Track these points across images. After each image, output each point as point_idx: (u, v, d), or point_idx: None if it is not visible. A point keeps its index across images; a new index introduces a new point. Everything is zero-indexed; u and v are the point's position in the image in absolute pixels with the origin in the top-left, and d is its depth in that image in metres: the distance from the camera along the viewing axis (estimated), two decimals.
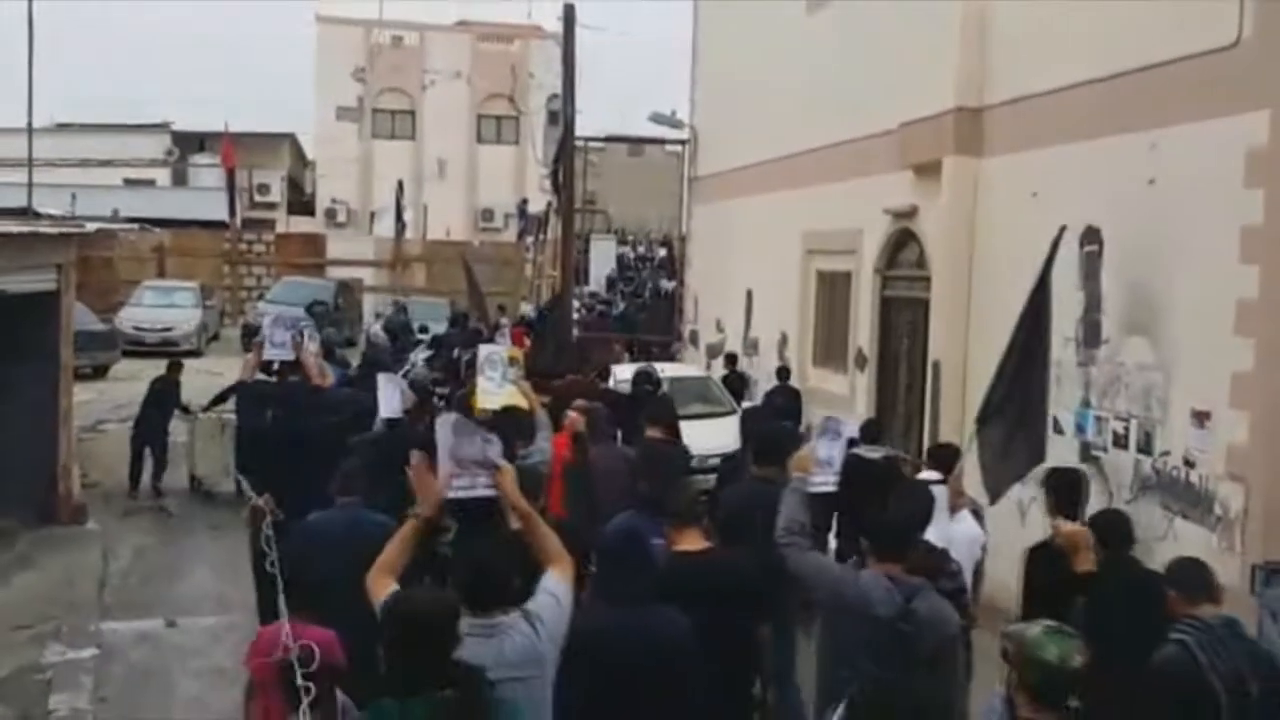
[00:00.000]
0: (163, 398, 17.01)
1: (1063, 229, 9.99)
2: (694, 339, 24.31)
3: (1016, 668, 4.38)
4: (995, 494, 9.08)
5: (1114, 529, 6.69)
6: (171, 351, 28.15)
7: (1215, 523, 9.23)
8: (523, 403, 9.61)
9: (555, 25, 25.14)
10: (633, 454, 9.25)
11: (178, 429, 17.30)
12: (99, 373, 26.48)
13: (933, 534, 6.71)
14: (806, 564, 5.80)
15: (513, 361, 10.64)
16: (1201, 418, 9.50)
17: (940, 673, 5.43)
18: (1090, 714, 4.39)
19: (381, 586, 4.84)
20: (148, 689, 10.04)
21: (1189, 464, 9.62)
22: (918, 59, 13.97)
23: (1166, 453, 9.89)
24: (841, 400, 16.21)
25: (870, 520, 5.86)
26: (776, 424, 12.15)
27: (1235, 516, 9.05)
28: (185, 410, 16.99)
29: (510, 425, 8.50)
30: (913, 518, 6.17)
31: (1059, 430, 11.30)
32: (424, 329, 25.78)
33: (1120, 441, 10.49)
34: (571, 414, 9.62)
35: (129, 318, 31.86)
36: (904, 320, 15.14)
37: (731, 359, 20.26)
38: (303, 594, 5.70)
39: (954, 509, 7.79)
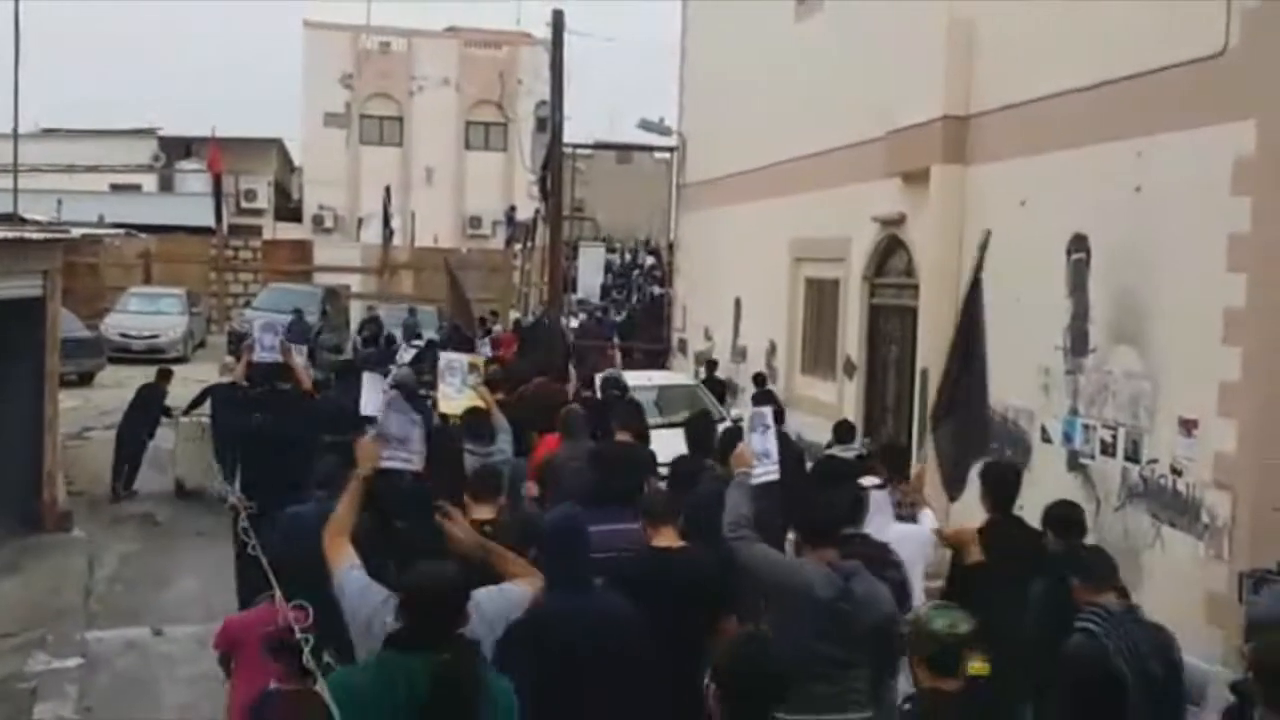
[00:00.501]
0: (148, 403, 17.07)
1: (988, 233, 10.42)
2: (683, 347, 24.31)
3: (913, 645, 4.80)
4: (954, 492, 9.22)
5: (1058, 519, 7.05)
6: (158, 358, 28.07)
7: (1203, 531, 9.25)
8: (482, 406, 10.12)
9: (544, 31, 25.22)
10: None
11: (164, 435, 17.26)
12: (85, 380, 26.38)
13: (873, 533, 7.09)
14: (754, 555, 6.07)
15: (472, 368, 11.31)
16: (1189, 426, 9.51)
17: (877, 650, 5.73)
18: (991, 684, 4.91)
19: (337, 547, 5.42)
20: (134, 698, 9.98)
21: (1176, 472, 9.63)
22: (906, 67, 14.00)
23: (1154, 461, 9.90)
24: (830, 408, 16.22)
25: (798, 513, 6.28)
26: (736, 425, 12.21)
27: (1223, 524, 9.06)
28: (168, 414, 17.02)
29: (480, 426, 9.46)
30: (834, 509, 6.43)
31: (1047, 439, 11.32)
32: (418, 335, 25.53)
33: (1108, 450, 10.50)
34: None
35: (115, 324, 31.75)
36: (892, 328, 15.15)
37: (711, 365, 20.28)
38: (280, 580, 5.92)
39: (913, 508, 8.05)
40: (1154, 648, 5.70)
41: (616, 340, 26.94)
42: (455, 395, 11.02)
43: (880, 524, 7.23)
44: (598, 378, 16.95)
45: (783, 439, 7.72)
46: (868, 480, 8.28)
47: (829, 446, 10.87)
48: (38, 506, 14.74)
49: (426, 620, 4.52)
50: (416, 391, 11.98)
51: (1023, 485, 11.33)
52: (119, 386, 26.78)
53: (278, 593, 5.74)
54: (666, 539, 6.53)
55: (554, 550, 5.93)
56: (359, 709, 4.37)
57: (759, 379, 17.73)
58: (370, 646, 5.03)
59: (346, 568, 5.38)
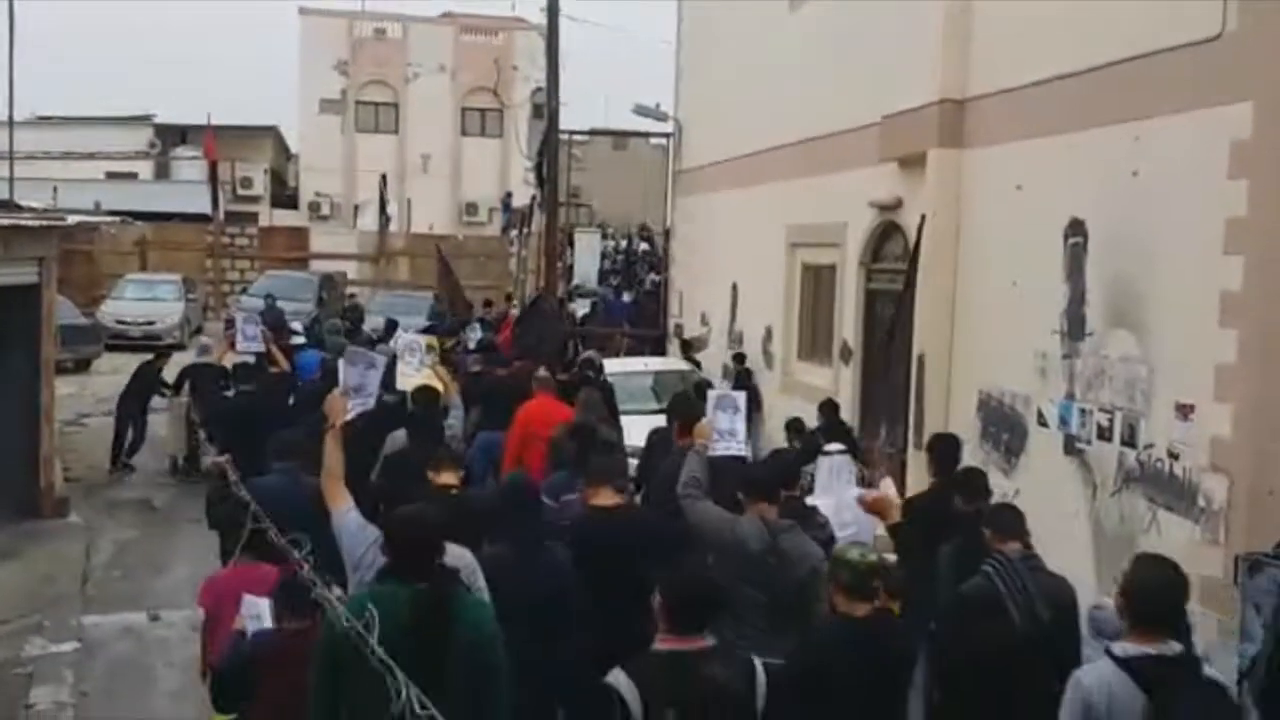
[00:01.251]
0: (146, 379, 17.47)
1: (924, 217, 11.44)
2: (679, 332, 24.29)
3: (831, 574, 5.69)
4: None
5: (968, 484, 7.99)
6: (155, 345, 28.06)
7: (1199, 515, 9.24)
8: (438, 385, 11.00)
9: (539, 17, 25.16)
10: None
11: (156, 421, 17.36)
12: (81, 366, 26.39)
13: (825, 498, 8.44)
14: (698, 511, 6.98)
15: (429, 349, 12.12)
16: (1185, 410, 9.50)
17: (801, 597, 6.43)
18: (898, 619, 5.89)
19: (334, 491, 6.24)
20: (130, 682, 10.02)
21: (1173, 456, 9.62)
22: (901, 51, 13.96)
23: (1150, 445, 9.89)
24: (826, 394, 16.21)
25: (741, 473, 7.29)
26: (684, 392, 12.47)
27: (1219, 508, 9.05)
28: (165, 386, 17.69)
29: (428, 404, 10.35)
30: (774, 469, 7.43)
31: (1043, 423, 11.32)
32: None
33: (1104, 434, 10.49)
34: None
35: (111, 311, 31.72)
36: (889, 313, 15.14)
37: (740, 358, 19.66)
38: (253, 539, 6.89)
39: (876, 475, 9.32)
40: (1046, 592, 6.36)
41: (627, 326, 26.97)
42: (413, 373, 11.70)
43: (842, 486, 8.21)
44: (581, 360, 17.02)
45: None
46: (833, 446, 9.69)
47: (815, 432, 11.15)
48: (35, 492, 14.78)
49: (406, 556, 5.15)
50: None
51: (1018, 469, 11.44)
52: (115, 373, 26.80)
53: (272, 530, 6.35)
54: (603, 499, 7.40)
55: (505, 508, 6.95)
56: (378, 611, 4.81)
57: (738, 358, 17.86)
58: (363, 578, 5.78)
59: (344, 509, 6.16)
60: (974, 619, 6.18)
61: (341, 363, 9.79)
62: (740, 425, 7.62)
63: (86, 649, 10.64)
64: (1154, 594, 4.90)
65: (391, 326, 19.35)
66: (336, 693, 4.88)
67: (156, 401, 17.82)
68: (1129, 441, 10.12)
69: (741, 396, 8.07)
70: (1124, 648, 4.82)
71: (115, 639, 10.95)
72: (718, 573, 6.19)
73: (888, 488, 7.38)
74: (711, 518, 6.88)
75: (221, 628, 6.77)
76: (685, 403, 9.66)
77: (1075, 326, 11.03)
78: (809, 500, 8.36)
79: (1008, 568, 6.34)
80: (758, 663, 5.10)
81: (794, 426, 13.94)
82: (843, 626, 5.51)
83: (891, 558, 6.41)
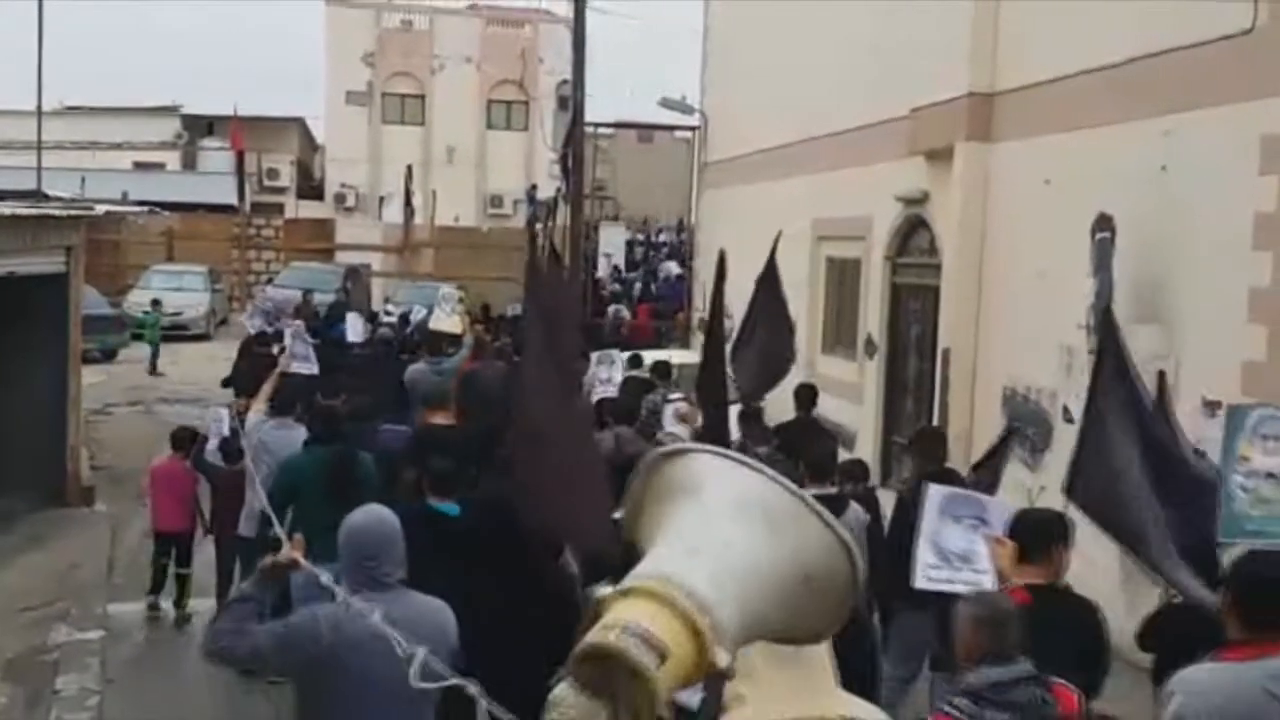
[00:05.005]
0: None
1: (778, 236, 13.10)
2: (701, 326, 24.25)
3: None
4: (748, 398, 11.73)
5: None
6: (181, 335, 28.21)
7: None
8: (461, 327, 15.52)
9: (565, 10, 25.16)
10: None
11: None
12: (108, 356, 26.53)
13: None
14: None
15: (460, 300, 16.32)
16: (1213, 407, 9.43)
17: None
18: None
19: (255, 408, 10.31)
20: (155, 670, 10.05)
21: (1199, 454, 9.55)
22: (929, 44, 13.91)
23: None
24: (851, 387, 16.18)
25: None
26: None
27: None
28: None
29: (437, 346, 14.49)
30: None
31: (1069, 419, 11.25)
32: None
33: None
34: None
35: (138, 302, 31.87)
36: (914, 307, 15.10)
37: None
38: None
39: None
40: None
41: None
42: (445, 317, 15.77)
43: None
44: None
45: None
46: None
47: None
48: (61, 481, 14.85)
49: (326, 428, 9.09)
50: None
51: (1043, 465, 11.37)
52: (141, 363, 26.98)
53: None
54: (440, 418, 9.79)
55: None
56: (298, 474, 8.60)
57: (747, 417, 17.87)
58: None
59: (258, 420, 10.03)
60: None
61: (289, 338, 14.38)
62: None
63: (112, 636, 10.68)
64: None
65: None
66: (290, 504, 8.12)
67: None
68: None
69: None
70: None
71: (140, 626, 11.00)
72: None
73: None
74: None
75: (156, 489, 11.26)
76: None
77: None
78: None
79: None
80: None
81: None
82: None
83: None
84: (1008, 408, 12.36)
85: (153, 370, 26.33)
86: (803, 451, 7.79)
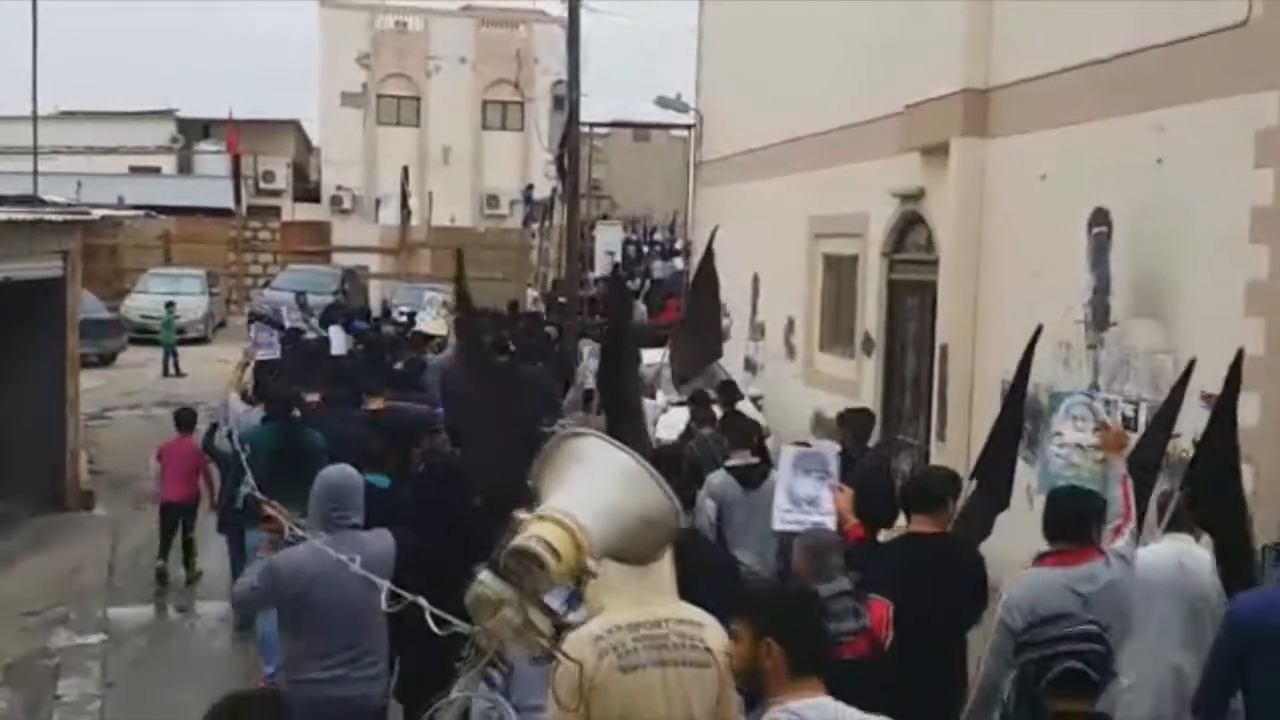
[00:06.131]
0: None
1: (714, 231, 13.10)
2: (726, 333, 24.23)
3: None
4: (679, 380, 12.92)
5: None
6: (180, 339, 28.17)
7: None
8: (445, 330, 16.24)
9: (560, 10, 25.15)
10: None
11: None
12: (106, 360, 26.51)
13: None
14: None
15: (444, 304, 17.02)
16: (1211, 400, 9.43)
17: None
18: None
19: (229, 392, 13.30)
20: (155, 674, 10.05)
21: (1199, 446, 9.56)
22: (924, 40, 13.91)
23: (1176, 435, 9.83)
24: (848, 385, 16.18)
25: None
26: None
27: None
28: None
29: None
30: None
31: None
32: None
33: (1129, 424, 10.41)
34: None
35: (135, 306, 31.86)
36: (911, 304, 15.10)
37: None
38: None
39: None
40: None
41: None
42: (430, 320, 16.99)
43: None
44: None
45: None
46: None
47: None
48: (61, 485, 14.86)
49: (277, 409, 10.24)
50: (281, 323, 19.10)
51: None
52: (139, 367, 26.96)
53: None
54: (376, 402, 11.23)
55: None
56: (253, 445, 9.35)
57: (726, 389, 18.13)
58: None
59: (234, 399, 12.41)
60: None
61: (254, 330, 17.04)
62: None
63: (113, 641, 10.69)
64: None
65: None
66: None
67: None
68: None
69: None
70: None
71: (141, 631, 11.00)
72: None
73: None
74: None
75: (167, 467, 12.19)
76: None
77: (1099, 316, 10.99)
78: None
79: None
80: None
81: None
82: None
83: None
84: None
85: (166, 372, 26.27)
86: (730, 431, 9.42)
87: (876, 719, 3.81)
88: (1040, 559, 6.14)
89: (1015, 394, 8.49)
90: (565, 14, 23.35)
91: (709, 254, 12.56)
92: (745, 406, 16.37)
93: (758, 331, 20.61)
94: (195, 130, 49.71)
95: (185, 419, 12.57)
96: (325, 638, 6.08)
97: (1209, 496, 6.49)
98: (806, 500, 7.17)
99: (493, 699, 4.11)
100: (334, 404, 11.68)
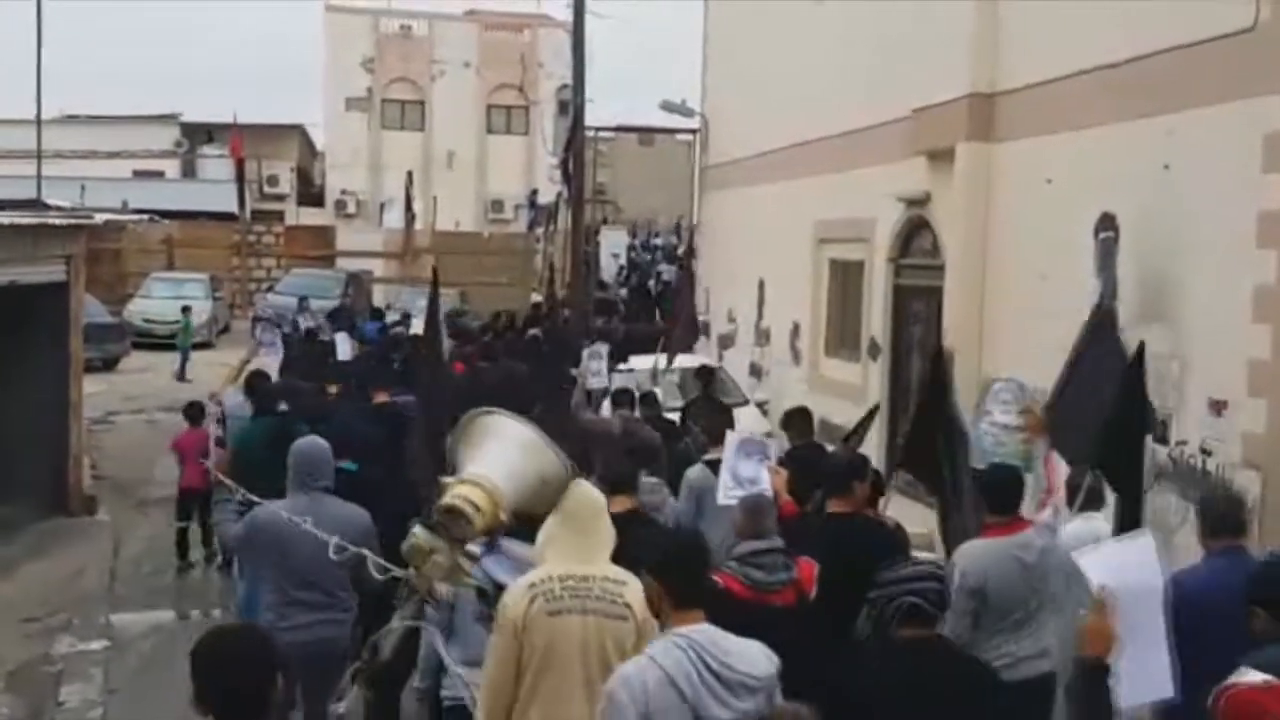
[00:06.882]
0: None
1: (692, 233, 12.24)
2: (705, 329, 24.21)
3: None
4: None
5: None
6: (179, 345, 28.10)
7: None
8: None
9: (564, 14, 25.13)
10: None
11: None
12: (109, 365, 26.48)
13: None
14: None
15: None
16: (1218, 406, 9.40)
17: None
18: None
19: (223, 389, 13.24)
20: (158, 681, 10.00)
21: (1205, 453, 9.53)
22: (931, 44, 13.87)
23: (1183, 442, 9.79)
24: (854, 389, 16.13)
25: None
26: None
27: (1252, 505, 8.92)
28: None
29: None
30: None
31: None
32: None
33: None
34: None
35: (139, 310, 31.84)
36: (917, 309, 15.06)
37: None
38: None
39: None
40: None
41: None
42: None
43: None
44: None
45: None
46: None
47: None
48: (63, 490, 14.83)
49: (263, 403, 10.69)
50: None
51: None
52: (143, 372, 26.95)
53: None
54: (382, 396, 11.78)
55: None
56: (247, 435, 10.20)
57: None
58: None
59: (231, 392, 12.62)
60: None
61: (258, 329, 17.62)
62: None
63: (116, 647, 10.67)
64: None
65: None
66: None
67: None
68: (1161, 438, 10.00)
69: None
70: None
71: (144, 637, 10.97)
72: None
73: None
74: None
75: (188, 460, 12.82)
76: None
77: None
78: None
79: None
80: None
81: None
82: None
83: None
84: None
85: (181, 376, 26.20)
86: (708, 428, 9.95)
87: (749, 642, 4.53)
88: (984, 530, 7.12)
89: None
90: (570, 18, 23.37)
91: (688, 265, 13.03)
92: (750, 411, 16.47)
93: (763, 336, 20.57)
94: (199, 135, 49.71)
95: (193, 412, 13.24)
96: (296, 585, 6.97)
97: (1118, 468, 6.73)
98: (748, 479, 8.03)
99: (421, 624, 5.38)
100: (345, 397, 12.72)
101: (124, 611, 11.57)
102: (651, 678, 4.33)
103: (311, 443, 7.45)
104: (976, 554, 6.84)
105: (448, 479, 4.76)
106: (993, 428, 8.78)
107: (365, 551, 5.79)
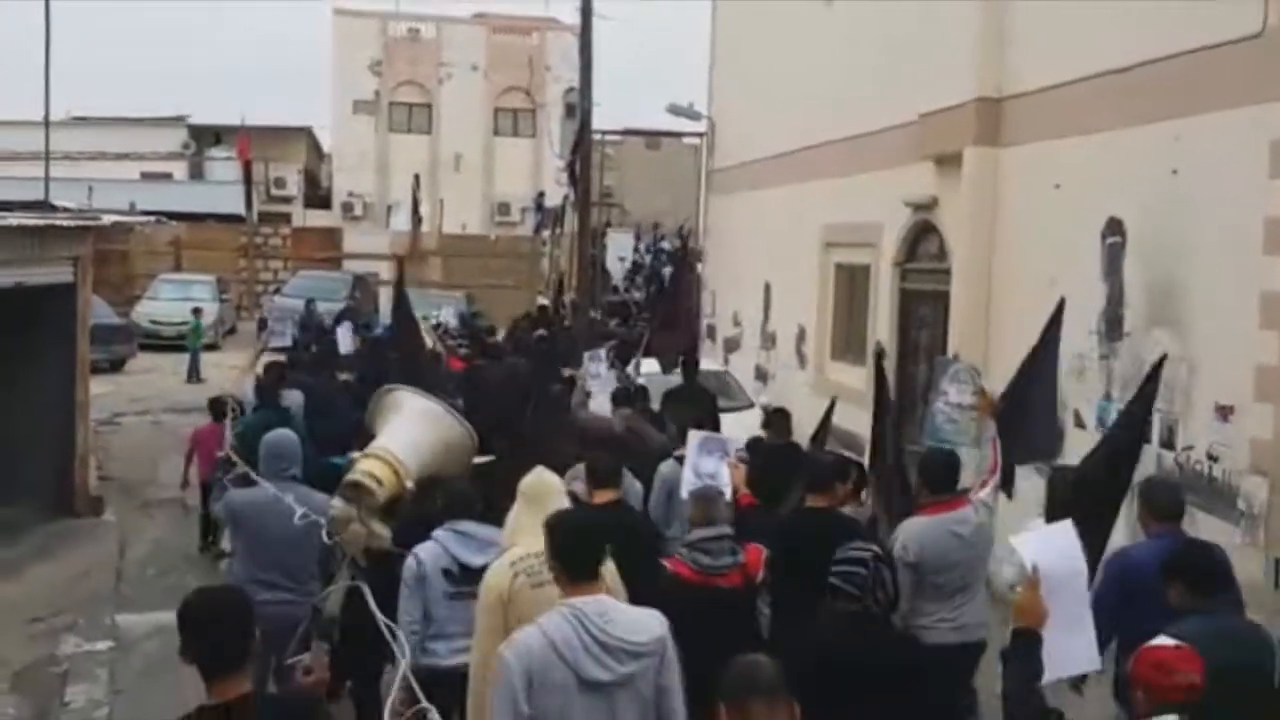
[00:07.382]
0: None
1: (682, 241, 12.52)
2: (711, 333, 24.23)
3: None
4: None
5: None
6: (189, 346, 28.16)
7: (1239, 517, 9.13)
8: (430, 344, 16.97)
9: (572, 17, 25.15)
10: None
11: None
12: (116, 366, 26.52)
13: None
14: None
15: (424, 319, 18.50)
16: (1225, 411, 9.39)
17: None
18: None
19: (237, 381, 14.53)
20: (164, 681, 9.98)
21: (1212, 458, 9.51)
22: (938, 49, 13.87)
23: (1190, 447, 9.78)
24: (860, 394, 16.10)
25: None
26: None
27: (1259, 511, 8.94)
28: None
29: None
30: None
31: (1080, 424, 11.21)
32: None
33: (1144, 435, 10.36)
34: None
35: (146, 312, 31.88)
36: (923, 313, 15.04)
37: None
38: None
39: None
40: None
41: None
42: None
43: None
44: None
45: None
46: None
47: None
48: (69, 491, 14.83)
49: (264, 396, 12.06)
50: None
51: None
52: (149, 373, 26.99)
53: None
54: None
55: None
56: (251, 429, 10.05)
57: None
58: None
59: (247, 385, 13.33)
60: None
61: (270, 321, 18.55)
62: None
63: (121, 648, 10.67)
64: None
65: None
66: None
67: None
68: (1168, 443, 10.00)
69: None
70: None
71: (149, 637, 10.95)
72: None
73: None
74: None
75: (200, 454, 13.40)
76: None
77: (1113, 327, 10.93)
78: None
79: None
80: None
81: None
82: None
83: None
84: None
85: (191, 378, 26.27)
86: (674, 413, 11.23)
87: (642, 610, 5.05)
88: (920, 508, 7.76)
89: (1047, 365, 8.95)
90: (578, 21, 23.38)
91: (678, 268, 13.33)
92: (755, 415, 16.43)
93: (769, 340, 20.56)
94: (207, 136, 49.80)
95: (217, 407, 13.20)
96: (262, 565, 7.71)
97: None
98: (708, 474, 8.50)
99: (357, 584, 6.01)
100: (349, 388, 13.84)
101: (129, 612, 11.56)
102: (536, 643, 4.79)
103: (281, 434, 8.30)
104: (915, 530, 7.49)
105: (355, 454, 5.75)
106: (947, 406, 9.51)
107: (320, 519, 6.83)
